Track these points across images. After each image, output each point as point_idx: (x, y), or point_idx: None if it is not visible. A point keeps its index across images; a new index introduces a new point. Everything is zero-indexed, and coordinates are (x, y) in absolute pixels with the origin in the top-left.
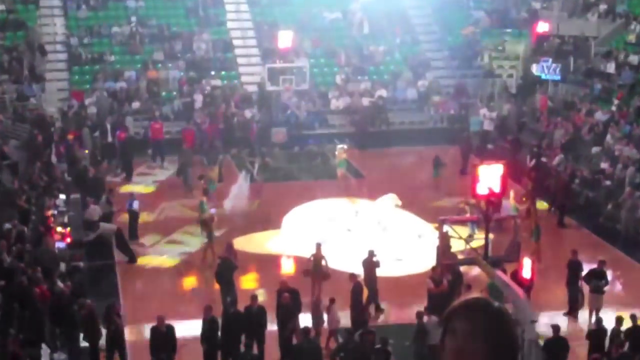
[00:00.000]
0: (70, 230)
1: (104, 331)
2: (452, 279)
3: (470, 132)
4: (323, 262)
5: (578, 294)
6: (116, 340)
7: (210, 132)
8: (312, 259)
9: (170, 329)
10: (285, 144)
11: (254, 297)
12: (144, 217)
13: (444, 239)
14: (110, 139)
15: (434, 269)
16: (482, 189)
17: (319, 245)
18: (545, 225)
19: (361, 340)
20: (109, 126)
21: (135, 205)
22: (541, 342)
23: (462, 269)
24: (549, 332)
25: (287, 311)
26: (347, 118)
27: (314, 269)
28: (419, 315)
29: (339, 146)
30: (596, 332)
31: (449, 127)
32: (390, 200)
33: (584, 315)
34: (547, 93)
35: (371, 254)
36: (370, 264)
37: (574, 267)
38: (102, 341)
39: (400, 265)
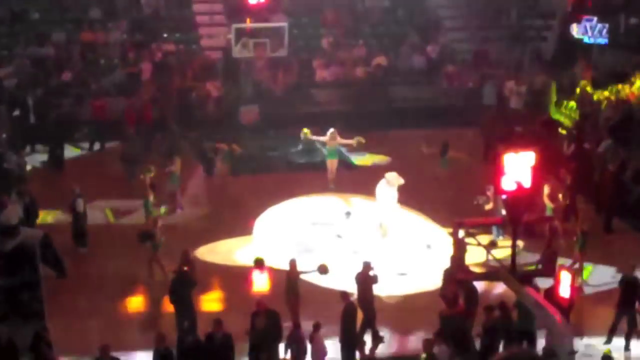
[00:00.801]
0: None
1: None
2: (465, 298)
3: (490, 109)
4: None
5: (634, 318)
6: None
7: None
8: (286, 277)
9: None
10: (258, 126)
11: (217, 322)
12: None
13: (460, 247)
14: (33, 119)
15: (445, 285)
16: (508, 184)
17: (293, 262)
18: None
19: None
20: (31, 103)
21: (80, 204)
22: None
23: (483, 285)
24: None
25: (263, 339)
26: (337, 93)
27: (288, 291)
28: (428, 344)
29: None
30: None
31: (465, 104)
32: (389, 186)
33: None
34: (590, 61)
35: (367, 267)
36: (365, 280)
37: (630, 284)
38: None
39: (404, 281)
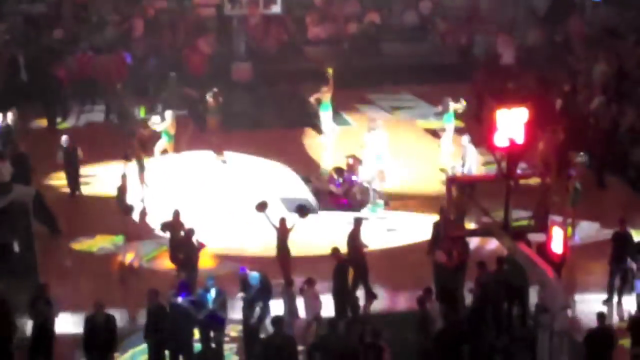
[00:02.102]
0: None
1: (19, 321)
2: (457, 254)
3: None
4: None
5: (627, 273)
6: (43, 334)
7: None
8: (277, 235)
9: (110, 319)
10: (250, 83)
11: (210, 278)
12: None
13: (459, 204)
14: (25, 76)
15: (435, 240)
16: (501, 140)
17: (283, 220)
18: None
19: (347, 332)
20: (22, 61)
21: (80, 153)
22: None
23: (475, 241)
24: (588, 322)
25: (255, 296)
26: (330, 50)
27: (279, 248)
28: (421, 300)
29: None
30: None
31: (458, 60)
32: (378, 132)
33: (631, 300)
34: (583, 16)
35: (358, 223)
36: (356, 237)
37: (622, 240)
38: (17, 334)
39: (394, 236)
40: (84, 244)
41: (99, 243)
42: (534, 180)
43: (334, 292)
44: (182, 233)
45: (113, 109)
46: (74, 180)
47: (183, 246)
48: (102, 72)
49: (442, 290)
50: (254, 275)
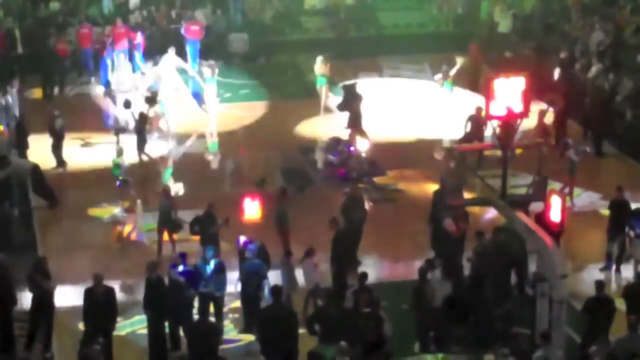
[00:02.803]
0: None
1: (20, 295)
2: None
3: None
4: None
5: (625, 241)
6: (43, 308)
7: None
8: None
9: (110, 292)
10: (247, 54)
11: (209, 249)
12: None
13: (457, 173)
14: (20, 49)
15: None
16: (498, 108)
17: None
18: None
19: (354, 301)
20: (18, 34)
21: (59, 123)
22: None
23: (474, 210)
24: (586, 290)
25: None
26: (327, 20)
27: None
28: (422, 271)
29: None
30: (636, 288)
31: (455, 30)
32: None
33: (629, 269)
34: None
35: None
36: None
37: (619, 207)
38: (17, 307)
39: (393, 205)
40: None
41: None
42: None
43: (332, 262)
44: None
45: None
46: (58, 152)
47: (205, 220)
48: (102, 44)
49: (445, 259)
50: (251, 247)
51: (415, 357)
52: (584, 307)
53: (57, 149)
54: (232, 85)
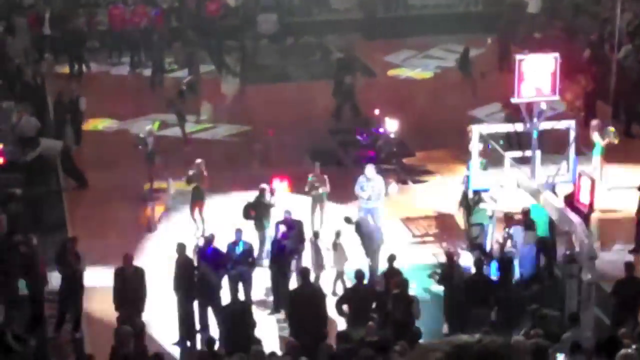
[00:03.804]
0: (3, 149)
1: (50, 275)
2: None
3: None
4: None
5: None
6: (73, 288)
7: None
8: (312, 179)
9: (140, 272)
10: (276, 34)
11: (238, 230)
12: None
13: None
14: (48, 30)
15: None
16: (527, 90)
17: (318, 164)
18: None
19: (385, 283)
20: (47, 15)
21: (82, 103)
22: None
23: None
24: (615, 272)
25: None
26: (354, 0)
27: (314, 195)
28: (450, 253)
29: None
30: None
31: (484, 10)
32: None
33: None
34: None
35: None
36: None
37: None
38: (48, 287)
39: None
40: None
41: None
42: None
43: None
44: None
45: (145, 61)
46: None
47: (256, 204)
48: (134, 24)
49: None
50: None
51: (451, 338)
52: (613, 288)
53: (77, 127)
54: (260, 66)
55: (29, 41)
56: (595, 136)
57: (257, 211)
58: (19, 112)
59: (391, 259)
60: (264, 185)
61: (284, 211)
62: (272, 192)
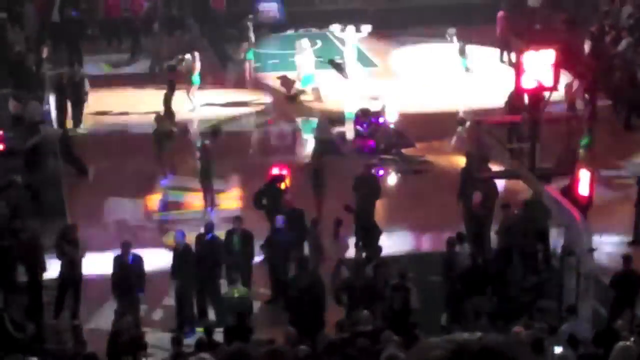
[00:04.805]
0: (3, 135)
1: (49, 262)
2: (485, 195)
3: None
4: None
5: None
6: (71, 274)
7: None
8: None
9: (137, 260)
10: (277, 24)
11: (237, 219)
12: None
13: (481, 146)
14: (57, 17)
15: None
16: (528, 82)
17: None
18: (609, 128)
19: (375, 274)
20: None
21: (86, 84)
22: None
23: (502, 183)
24: (612, 264)
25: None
26: None
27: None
28: (450, 242)
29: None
30: None
31: (484, 1)
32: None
33: None
34: None
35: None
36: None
37: None
38: (46, 275)
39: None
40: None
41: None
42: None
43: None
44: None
45: (143, 48)
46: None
47: (268, 192)
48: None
49: (474, 233)
50: (279, 217)
51: (451, 335)
52: (611, 281)
53: (80, 108)
54: (262, 55)
55: (36, 28)
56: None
57: (268, 199)
58: (24, 99)
59: (378, 250)
60: (276, 172)
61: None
62: (283, 180)
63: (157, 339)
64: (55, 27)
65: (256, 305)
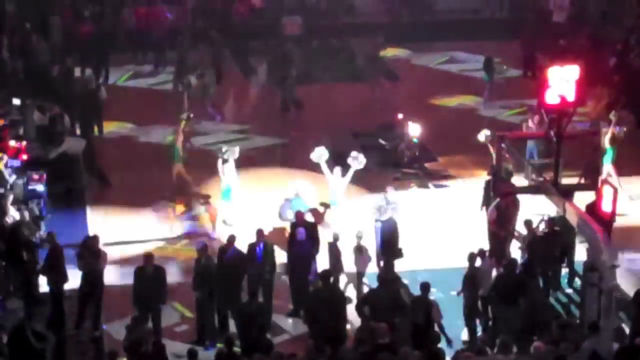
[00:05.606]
0: (27, 145)
1: (71, 273)
2: (507, 209)
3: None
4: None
5: None
6: (93, 286)
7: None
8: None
9: (159, 271)
10: (301, 37)
11: (259, 232)
12: None
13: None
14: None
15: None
16: (552, 97)
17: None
18: (633, 144)
19: (385, 290)
20: (87, 13)
21: (103, 93)
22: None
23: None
24: (637, 280)
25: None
26: (380, 5)
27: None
28: (472, 257)
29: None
30: None
31: (510, 16)
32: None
33: None
34: None
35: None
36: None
37: None
38: (67, 286)
39: (443, 193)
40: None
41: None
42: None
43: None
44: None
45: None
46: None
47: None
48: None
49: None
50: (300, 230)
51: (485, 357)
52: (634, 296)
53: (98, 117)
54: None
55: (60, 39)
56: (606, 142)
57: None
58: (50, 109)
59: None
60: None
61: (296, 213)
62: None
63: (178, 351)
64: (84, 38)
65: (277, 318)
